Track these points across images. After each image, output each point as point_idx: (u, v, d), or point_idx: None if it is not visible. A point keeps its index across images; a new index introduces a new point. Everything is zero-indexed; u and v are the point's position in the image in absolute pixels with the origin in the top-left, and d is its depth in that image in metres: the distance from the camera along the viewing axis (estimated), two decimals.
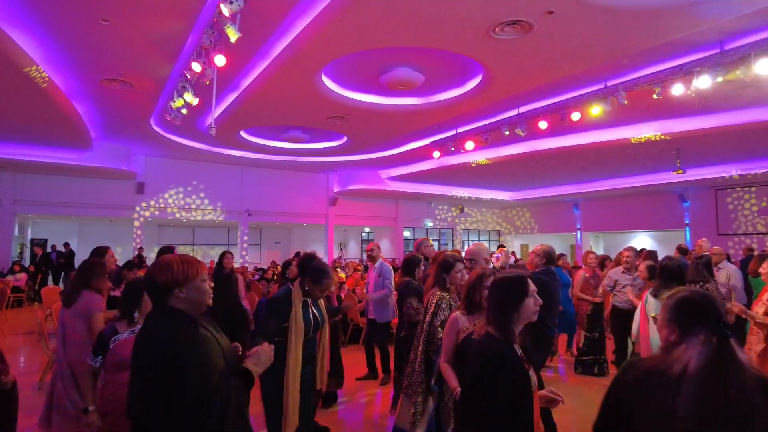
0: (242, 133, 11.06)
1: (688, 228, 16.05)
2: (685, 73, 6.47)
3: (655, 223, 17.41)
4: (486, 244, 22.36)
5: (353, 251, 21.18)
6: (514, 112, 9.02)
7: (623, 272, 5.70)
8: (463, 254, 4.12)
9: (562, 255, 7.00)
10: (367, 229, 20.89)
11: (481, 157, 12.40)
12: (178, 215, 14.54)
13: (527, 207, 21.42)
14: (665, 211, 16.58)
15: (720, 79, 6.28)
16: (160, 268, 1.70)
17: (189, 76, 6.45)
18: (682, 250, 6.04)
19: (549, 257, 3.96)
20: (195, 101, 7.03)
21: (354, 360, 6.22)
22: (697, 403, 1.20)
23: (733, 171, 12.82)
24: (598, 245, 21.43)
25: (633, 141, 9.96)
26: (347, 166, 14.95)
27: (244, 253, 15.57)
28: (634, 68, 6.95)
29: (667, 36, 5.70)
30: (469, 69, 7.07)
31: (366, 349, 5.88)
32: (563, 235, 20.79)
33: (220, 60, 5.70)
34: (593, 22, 5.28)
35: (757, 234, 13.85)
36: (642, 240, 19.80)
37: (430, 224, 20.24)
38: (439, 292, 3.06)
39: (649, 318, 3.36)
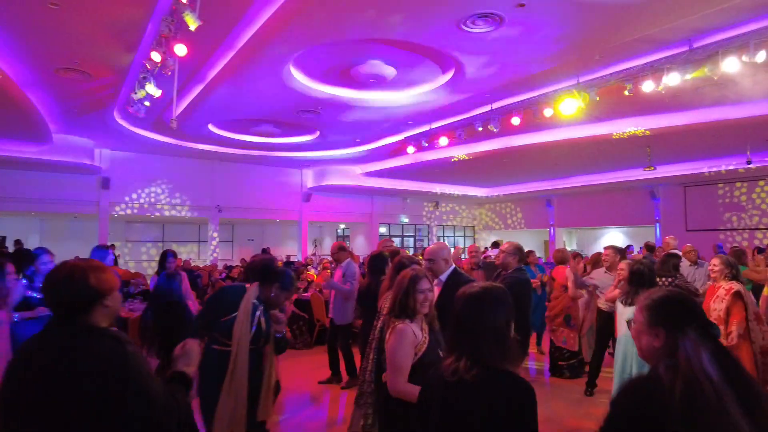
0: (210, 127, 10.73)
1: (658, 224, 16.33)
2: (655, 69, 6.49)
3: (626, 220, 17.68)
4: (461, 241, 22.47)
5: (328, 248, 20.93)
6: (487, 108, 8.94)
7: (605, 273, 5.58)
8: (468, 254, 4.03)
9: (530, 252, 6.89)
10: (342, 225, 20.68)
11: (461, 152, 12.32)
12: (148, 213, 14.08)
13: (501, 203, 21.52)
14: (636, 207, 16.84)
15: (689, 76, 6.30)
16: (71, 279, 1.45)
17: (149, 67, 6.15)
18: (649, 248, 6.06)
19: (521, 255, 3.87)
20: (158, 93, 6.72)
21: (319, 362, 6.01)
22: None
23: (702, 168, 13.06)
24: (570, 241, 21.71)
25: (614, 137, 9.98)
26: (321, 161, 14.71)
27: (214, 248, 15.17)
28: (605, 64, 6.93)
29: (637, 32, 5.68)
30: (441, 62, 6.95)
31: (329, 351, 5.69)
32: (537, 231, 20.96)
33: (180, 49, 5.44)
34: (564, 16, 5.21)
35: (725, 230, 14.16)
36: (613, 236, 20.11)
37: (406, 220, 20.15)
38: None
39: (620, 327, 3.31)
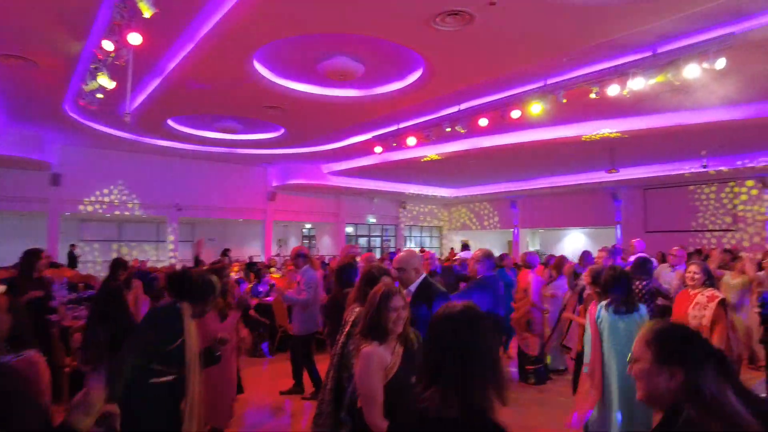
0: (170, 122, 10.29)
1: (619, 226, 16.76)
2: (621, 74, 6.55)
3: (588, 221, 18.08)
4: (428, 242, 22.50)
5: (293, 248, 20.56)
6: (455, 109, 8.90)
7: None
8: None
9: (505, 255, 6.81)
10: (308, 225, 20.35)
11: (432, 152, 12.26)
12: (100, 210, 13.41)
13: (468, 204, 21.67)
14: (598, 209, 17.23)
15: (652, 81, 6.40)
16: None
17: (101, 56, 5.76)
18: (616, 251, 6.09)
19: (490, 261, 3.77)
20: (111, 85, 6.33)
21: (282, 370, 5.74)
22: None
23: (661, 171, 13.46)
24: (534, 242, 22.07)
25: (584, 138, 10.10)
26: (286, 159, 14.38)
27: (171, 248, 14.60)
28: (572, 67, 6.97)
29: (604, 36, 5.70)
30: (410, 61, 6.82)
31: (292, 359, 5.45)
32: (502, 231, 21.21)
33: (135, 39, 5.11)
34: (534, 17, 5.17)
35: (681, 231, 14.63)
36: (576, 237, 20.56)
37: (373, 220, 20.02)
38: (357, 309, 2.67)
39: (602, 332, 3.19)
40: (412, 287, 2.84)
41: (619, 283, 3.19)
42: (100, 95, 6.87)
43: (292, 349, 5.45)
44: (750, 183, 13.76)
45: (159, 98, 8.22)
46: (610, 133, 9.65)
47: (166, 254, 14.95)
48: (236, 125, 10.30)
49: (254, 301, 6.97)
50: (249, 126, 10.52)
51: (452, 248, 18.61)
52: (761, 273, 6.35)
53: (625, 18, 5.24)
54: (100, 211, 13.42)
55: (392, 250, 18.83)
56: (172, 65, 6.96)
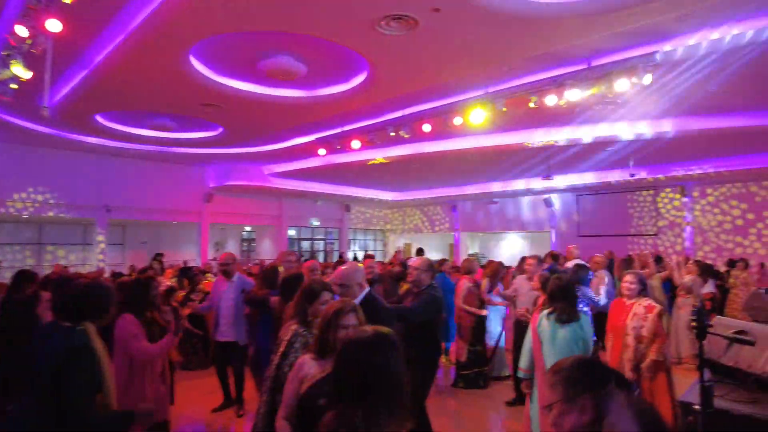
0: (98, 118, 9.60)
1: (553, 230, 17.47)
2: (558, 84, 6.79)
3: (524, 226, 18.73)
4: (371, 245, 22.44)
5: (232, 251, 19.85)
6: (399, 114, 8.91)
7: (527, 281, 5.51)
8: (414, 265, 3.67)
9: (444, 260, 6.84)
10: (247, 228, 19.73)
11: (378, 155, 12.20)
12: (13, 210, 12.31)
13: (411, 207, 21.86)
14: (534, 213, 17.91)
15: (587, 93, 6.67)
16: None
17: (15, 42, 5.25)
18: (554, 257, 6.28)
19: (434, 271, 3.73)
20: (27, 74, 5.79)
21: (217, 385, 5.32)
22: None
23: (593, 179, 14.16)
24: (473, 245, 22.60)
25: (527, 145, 10.38)
26: (225, 159, 13.85)
27: (100, 255, 13.66)
28: (513, 76, 7.14)
29: (542, 47, 5.87)
30: (354, 64, 6.73)
31: (219, 373, 5.09)
32: (443, 234, 21.56)
33: (53, 25, 4.69)
34: (477, 25, 5.23)
35: (611, 236, 15.45)
36: (513, 241, 21.25)
37: (317, 223, 19.72)
38: (294, 327, 2.51)
39: (542, 341, 3.19)
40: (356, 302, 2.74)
41: (565, 293, 3.19)
42: (14, 85, 6.27)
43: (219, 361, 5.11)
44: (668, 191, 14.78)
45: (85, 92, 7.63)
46: (550, 140, 10.00)
47: (93, 258, 13.96)
48: (171, 123, 9.78)
49: (186, 311, 6.57)
50: (185, 124, 10.02)
51: (396, 252, 18.67)
52: (687, 278, 6.77)
53: (562, 31, 5.42)
54: (18, 213, 12.31)
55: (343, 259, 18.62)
56: (99, 57, 6.47)
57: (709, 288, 7.64)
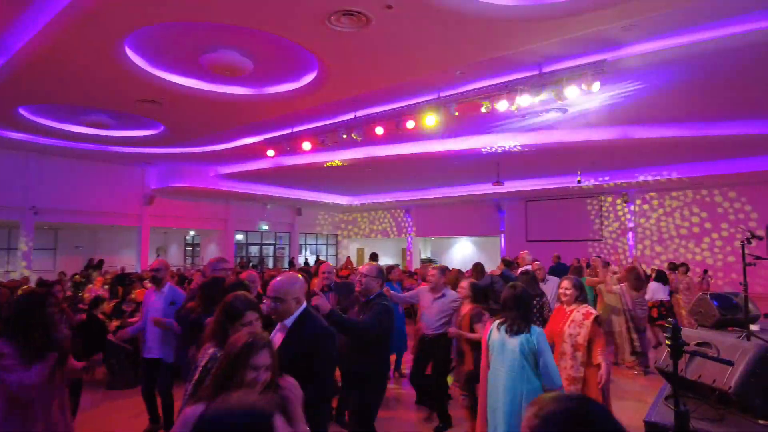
0: (22, 111, 8.81)
1: (502, 235, 17.77)
2: (510, 90, 6.80)
3: (475, 230, 18.98)
4: (323, 249, 22.05)
5: (175, 257, 18.96)
6: (351, 116, 8.70)
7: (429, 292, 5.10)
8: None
9: (394, 267, 6.60)
10: (192, 232, 18.90)
11: (334, 158, 11.92)
12: None
13: (364, 211, 21.68)
14: (484, 219, 18.15)
15: (537, 99, 6.71)
16: None
17: None
18: (507, 263, 6.24)
19: (384, 277, 3.49)
20: None
21: (141, 407, 4.77)
22: None
23: (541, 185, 14.49)
24: (426, 249, 22.70)
25: (484, 150, 10.41)
26: (168, 159, 13.13)
27: (23, 262, 12.56)
28: (465, 81, 7.09)
29: (495, 50, 5.83)
30: (304, 62, 6.46)
31: (144, 393, 4.63)
32: (396, 239, 21.51)
33: None
34: (430, 26, 5.10)
35: (558, 241, 15.85)
36: (464, 245, 21.49)
37: (266, 227, 19.14)
38: (212, 351, 2.14)
39: (492, 352, 3.04)
40: (289, 321, 2.35)
41: (518, 303, 3.05)
42: None
43: (146, 381, 4.62)
44: (610, 198, 15.34)
45: (4, 81, 6.95)
46: (511, 145, 10.07)
47: (18, 264, 12.84)
48: (107, 119, 9.11)
49: (115, 323, 6.01)
50: (123, 121, 9.38)
51: (348, 257, 18.42)
52: (616, 287, 6.91)
53: (514, 36, 5.38)
54: None
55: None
56: (19, 43, 5.88)
57: (661, 295, 7.82)
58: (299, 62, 6.45)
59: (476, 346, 4.02)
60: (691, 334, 2.45)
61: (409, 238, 20.47)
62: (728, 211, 13.39)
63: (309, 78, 6.87)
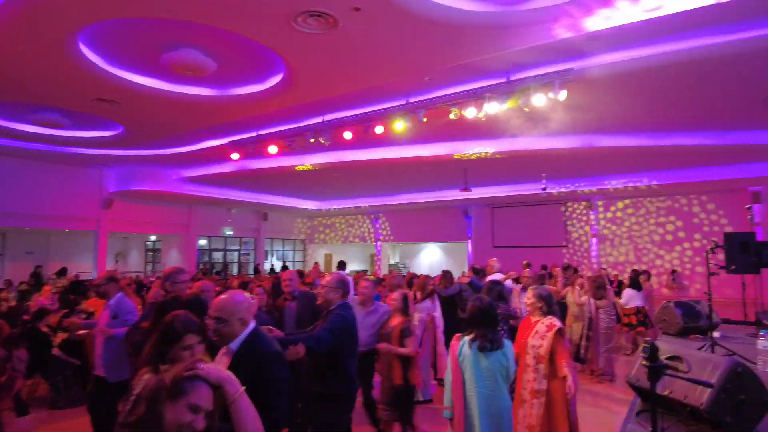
0: None
1: (470, 241, 17.88)
2: (478, 97, 6.80)
3: (443, 236, 19.05)
4: (290, 255, 21.65)
5: (135, 263, 18.27)
6: (319, 119, 8.54)
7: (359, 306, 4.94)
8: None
9: (362, 274, 6.40)
10: (153, 237, 18.26)
11: (297, 162, 11.69)
12: None
13: (332, 217, 21.46)
14: (452, 225, 18.24)
15: (505, 107, 6.73)
16: None
17: None
18: (476, 271, 6.19)
19: (345, 290, 3.26)
20: None
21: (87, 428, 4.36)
22: None
23: (508, 191, 14.66)
24: (394, 255, 22.64)
25: (456, 157, 10.38)
26: (127, 161, 12.63)
27: None
28: (433, 87, 7.07)
29: (462, 57, 5.81)
30: (270, 63, 6.28)
31: (90, 410, 4.28)
32: (364, 245, 21.37)
33: None
34: (399, 28, 5.03)
35: (524, 247, 16.05)
36: (432, 250, 21.53)
37: (230, 232, 18.67)
38: (147, 376, 1.90)
39: (464, 371, 2.89)
40: (234, 344, 2.11)
41: (485, 317, 2.92)
42: None
43: (93, 400, 4.29)
44: (575, 204, 15.65)
45: None
46: (481, 153, 10.09)
47: None
48: (60, 119, 8.66)
49: (60, 337, 5.61)
50: (79, 121, 8.94)
51: (316, 262, 18.13)
52: (583, 298, 6.98)
53: (481, 43, 5.37)
54: None
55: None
56: None
57: (637, 302, 7.83)
58: (265, 63, 6.27)
59: (405, 360, 3.92)
60: (661, 346, 2.42)
61: (378, 244, 20.37)
62: (691, 219, 13.85)
63: (275, 80, 6.70)
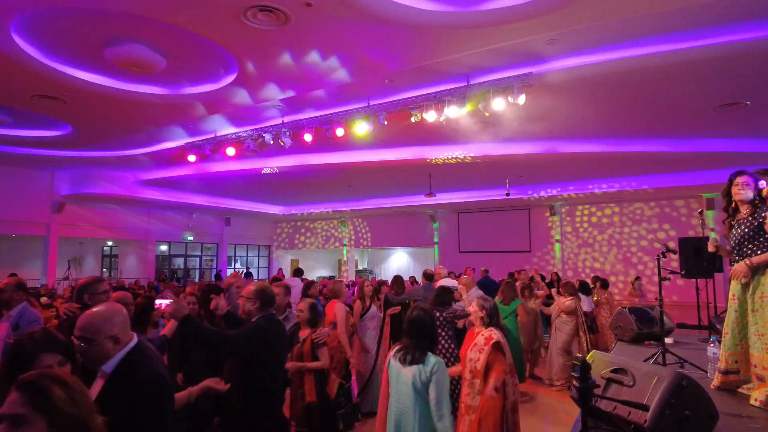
0: None
1: (437, 246, 17.85)
2: (438, 101, 6.71)
3: (410, 241, 18.97)
4: (255, 261, 21.14)
5: (91, 269, 17.49)
6: (278, 121, 8.31)
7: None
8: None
9: (311, 283, 6.02)
10: (110, 243, 17.54)
11: (262, 165, 11.38)
12: None
13: (298, 222, 21.10)
14: (418, 230, 18.19)
15: (465, 110, 6.65)
16: None
17: None
18: (428, 276, 6.06)
19: (265, 300, 2.93)
20: None
21: None
22: None
23: (472, 197, 14.68)
24: (363, 260, 22.43)
25: (432, 161, 10.27)
26: (80, 163, 12.04)
27: None
28: (394, 90, 6.95)
29: (421, 59, 5.70)
30: (224, 61, 6.03)
31: None
32: (332, 250, 21.09)
33: None
34: (353, 26, 4.88)
35: (489, 252, 16.11)
36: (399, 256, 21.42)
37: (191, 238, 18.10)
38: None
39: (390, 380, 2.70)
40: (109, 366, 1.81)
41: (420, 330, 2.70)
42: None
43: None
44: (540, 210, 15.82)
45: None
46: (463, 157, 10.02)
47: None
48: (2, 116, 8.17)
49: None
50: (23, 119, 8.44)
51: (280, 269, 17.76)
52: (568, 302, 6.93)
53: (439, 43, 5.28)
54: None
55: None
56: None
57: (585, 306, 7.88)
58: (218, 61, 6.02)
59: (318, 375, 3.71)
60: (607, 358, 2.32)
61: (345, 249, 20.14)
62: (648, 225, 14.14)
63: (229, 79, 6.44)
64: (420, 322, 2.70)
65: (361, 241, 19.92)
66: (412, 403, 2.52)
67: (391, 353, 2.79)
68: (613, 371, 2.05)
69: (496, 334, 3.29)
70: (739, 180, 3.07)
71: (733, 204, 3.13)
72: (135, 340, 1.88)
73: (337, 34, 5.06)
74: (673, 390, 1.80)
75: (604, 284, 8.63)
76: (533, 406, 6.29)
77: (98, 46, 5.59)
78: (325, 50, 5.45)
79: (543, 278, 11.34)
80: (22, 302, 3.58)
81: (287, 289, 4.34)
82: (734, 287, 3.01)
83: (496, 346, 3.23)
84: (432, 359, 2.62)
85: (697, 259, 6.21)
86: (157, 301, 3.11)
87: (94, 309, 1.85)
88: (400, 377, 2.60)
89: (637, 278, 12.03)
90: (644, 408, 1.67)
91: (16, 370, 1.59)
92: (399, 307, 5.58)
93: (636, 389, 1.89)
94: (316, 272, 20.96)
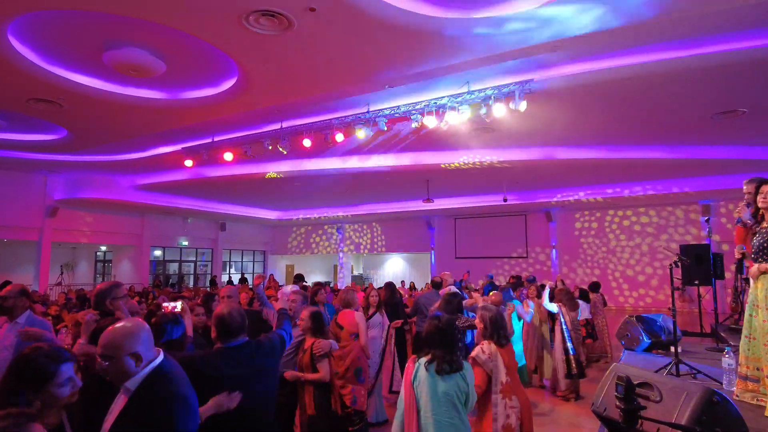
0: None
1: (433, 251, 17.80)
2: (438, 107, 6.68)
3: (407, 246, 18.91)
4: (250, 266, 20.96)
5: (84, 274, 17.28)
6: (277, 126, 8.23)
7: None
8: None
9: (318, 285, 5.90)
10: (103, 248, 17.34)
11: (260, 170, 11.29)
12: None
13: (294, 227, 20.99)
14: (415, 235, 18.14)
15: (467, 116, 6.62)
16: None
17: None
18: (435, 284, 5.99)
19: (225, 329, 2.43)
20: None
21: None
22: None
23: (469, 203, 14.66)
24: (358, 266, 22.35)
25: (445, 166, 10.18)
26: (74, 168, 11.90)
27: None
28: (394, 96, 6.91)
29: (422, 64, 5.66)
30: (224, 65, 5.97)
31: None
32: (327, 255, 20.98)
33: None
34: (356, 31, 4.85)
35: (485, 258, 16.07)
36: (395, 261, 21.35)
37: (185, 243, 17.93)
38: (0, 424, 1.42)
39: (419, 398, 2.58)
40: (132, 383, 1.71)
41: (444, 337, 2.59)
42: None
43: None
44: (536, 216, 15.82)
45: None
46: (477, 162, 9.98)
47: None
48: None
49: None
50: (18, 123, 8.32)
51: (271, 274, 17.56)
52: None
53: (441, 49, 5.23)
54: None
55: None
56: None
57: (584, 314, 7.81)
58: (218, 65, 5.95)
59: (319, 387, 3.57)
60: (628, 371, 2.26)
61: (340, 255, 20.04)
62: (644, 231, 14.17)
63: (229, 83, 6.39)
64: (450, 330, 2.62)
65: (357, 246, 19.84)
66: (456, 412, 2.44)
67: (415, 365, 2.66)
68: (638, 385, 2.00)
69: (477, 349, 3.09)
70: (765, 189, 3.08)
71: (761, 212, 3.16)
72: (161, 357, 1.79)
73: (340, 39, 5.02)
74: (704, 406, 1.75)
75: (594, 287, 8.52)
76: (536, 414, 6.15)
77: (97, 49, 5.52)
78: (326, 55, 5.40)
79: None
80: (26, 309, 3.47)
81: (304, 297, 4.23)
82: (759, 291, 3.01)
83: (472, 361, 3.03)
84: (467, 366, 2.59)
85: (700, 267, 6.19)
86: (164, 304, 3.00)
87: (117, 325, 1.76)
88: (438, 388, 2.49)
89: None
90: (686, 430, 1.62)
91: (26, 384, 1.51)
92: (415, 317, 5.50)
93: (664, 405, 1.84)
94: (311, 278, 20.83)
